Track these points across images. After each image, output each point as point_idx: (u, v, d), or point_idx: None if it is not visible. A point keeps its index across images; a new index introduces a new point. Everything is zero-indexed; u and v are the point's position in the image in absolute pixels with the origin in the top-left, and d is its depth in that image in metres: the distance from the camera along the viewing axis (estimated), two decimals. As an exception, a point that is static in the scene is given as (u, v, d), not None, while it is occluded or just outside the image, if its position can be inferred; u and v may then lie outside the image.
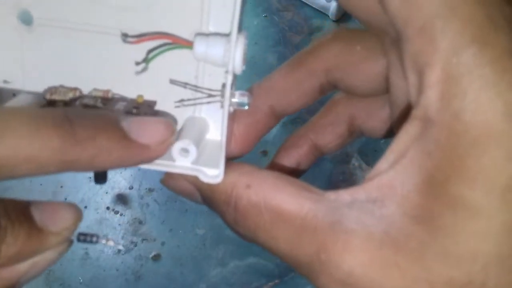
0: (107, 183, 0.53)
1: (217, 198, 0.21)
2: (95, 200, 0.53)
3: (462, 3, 0.15)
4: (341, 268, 0.17)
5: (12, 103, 0.22)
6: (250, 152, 0.25)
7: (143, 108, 0.21)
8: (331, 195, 0.19)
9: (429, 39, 0.16)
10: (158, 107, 0.22)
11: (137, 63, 0.21)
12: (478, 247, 0.16)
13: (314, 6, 0.63)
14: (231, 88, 0.20)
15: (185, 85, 0.22)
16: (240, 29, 0.19)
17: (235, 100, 0.21)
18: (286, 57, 0.59)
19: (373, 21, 0.19)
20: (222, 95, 0.20)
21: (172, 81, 0.22)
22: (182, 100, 0.22)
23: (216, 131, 0.23)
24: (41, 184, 0.54)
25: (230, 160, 0.20)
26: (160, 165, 0.20)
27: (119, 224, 0.51)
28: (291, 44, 0.60)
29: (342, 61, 0.23)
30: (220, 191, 0.20)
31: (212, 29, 0.21)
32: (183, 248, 0.49)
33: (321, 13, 0.63)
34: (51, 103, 0.20)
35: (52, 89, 0.21)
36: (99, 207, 0.53)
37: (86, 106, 0.20)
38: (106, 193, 0.53)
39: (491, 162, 0.16)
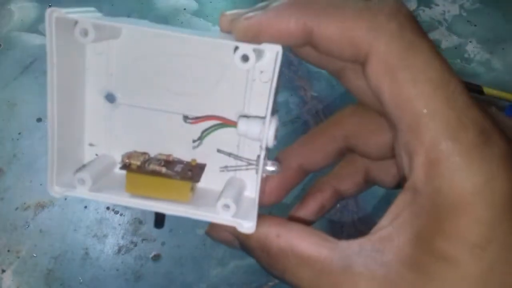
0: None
1: (253, 245, 0.26)
2: (95, 200, 0.53)
3: (439, 109, 0.21)
4: None
5: (94, 162, 0.29)
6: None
7: (196, 170, 0.28)
8: (344, 244, 0.24)
9: (415, 134, 0.22)
10: (207, 169, 0.29)
11: (194, 141, 0.29)
12: None
13: (314, 6, 0.63)
14: (264, 159, 0.26)
15: (229, 154, 0.29)
16: (273, 113, 0.25)
17: (267, 168, 0.27)
18: (285, 57, 0.59)
19: (378, 110, 0.26)
20: (257, 164, 0.26)
21: (219, 150, 0.29)
22: (226, 166, 0.29)
23: (251, 189, 0.29)
24: (40, 184, 0.54)
25: (263, 214, 0.26)
26: (207, 217, 0.26)
27: (119, 224, 0.51)
28: (291, 44, 0.60)
29: (358, 132, 0.29)
30: (255, 239, 0.25)
31: (252, 111, 0.28)
32: (183, 248, 0.49)
33: (321, 13, 0.63)
34: (127, 165, 0.27)
35: (128, 154, 0.28)
36: (99, 207, 0.53)
37: (153, 172, 0.27)
38: (106, 193, 0.53)
39: (463, 225, 0.21)
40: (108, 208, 0.52)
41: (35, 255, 0.50)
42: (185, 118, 0.28)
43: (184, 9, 0.64)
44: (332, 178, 0.32)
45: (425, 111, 0.21)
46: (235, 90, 0.28)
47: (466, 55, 0.59)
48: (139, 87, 0.29)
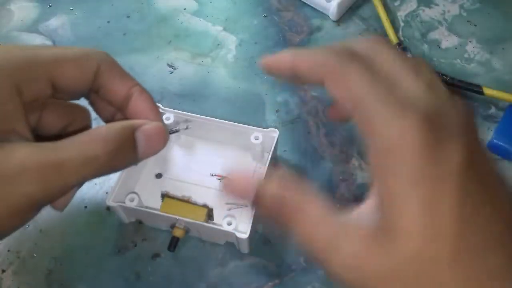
0: (107, 183, 0.53)
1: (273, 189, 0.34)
2: (95, 200, 0.53)
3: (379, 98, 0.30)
4: (343, 248, 0.30)
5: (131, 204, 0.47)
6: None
7: (209, 212, 0.47)
8: (345, 212, 0.32)
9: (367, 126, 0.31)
10: (217, 208, 0.47)
11: (218, 178, 0.49)
12: (408, 226, 0.28)
13: (314, 6, 0.63)
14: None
15: (233, 203, 0.47)
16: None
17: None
18: (286, 57, 0.59)
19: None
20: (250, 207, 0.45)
21: (227, 203, 0.47)
22: (230, 209, 0.47)
23: (246, 218, 0.46)
24: (41, 184, 0.54)
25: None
26: (216, 225, 0.44)
27: (119, 224, 0.51)
28: (291, 44, 0.60)
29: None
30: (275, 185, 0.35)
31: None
32: (183, 248, 0.49)
33: (321, 13, 0.63)
34: (164, 195, 0.48)
35: (166, 191, 0.49)
36: (99, 207, 0.53)
37: (183, 199, 0.47)
38: (106, 193, 0.53)
39: (401, 170, 0.28)
40: (108, 208, 0.52)
41: (35, 255, 0.50)
42: (211, 174, 0.50)
43: (184, 9, 0.64)
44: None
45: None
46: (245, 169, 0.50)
47: (466, 55, 0.59)
48: (179, 169, 0.51)
